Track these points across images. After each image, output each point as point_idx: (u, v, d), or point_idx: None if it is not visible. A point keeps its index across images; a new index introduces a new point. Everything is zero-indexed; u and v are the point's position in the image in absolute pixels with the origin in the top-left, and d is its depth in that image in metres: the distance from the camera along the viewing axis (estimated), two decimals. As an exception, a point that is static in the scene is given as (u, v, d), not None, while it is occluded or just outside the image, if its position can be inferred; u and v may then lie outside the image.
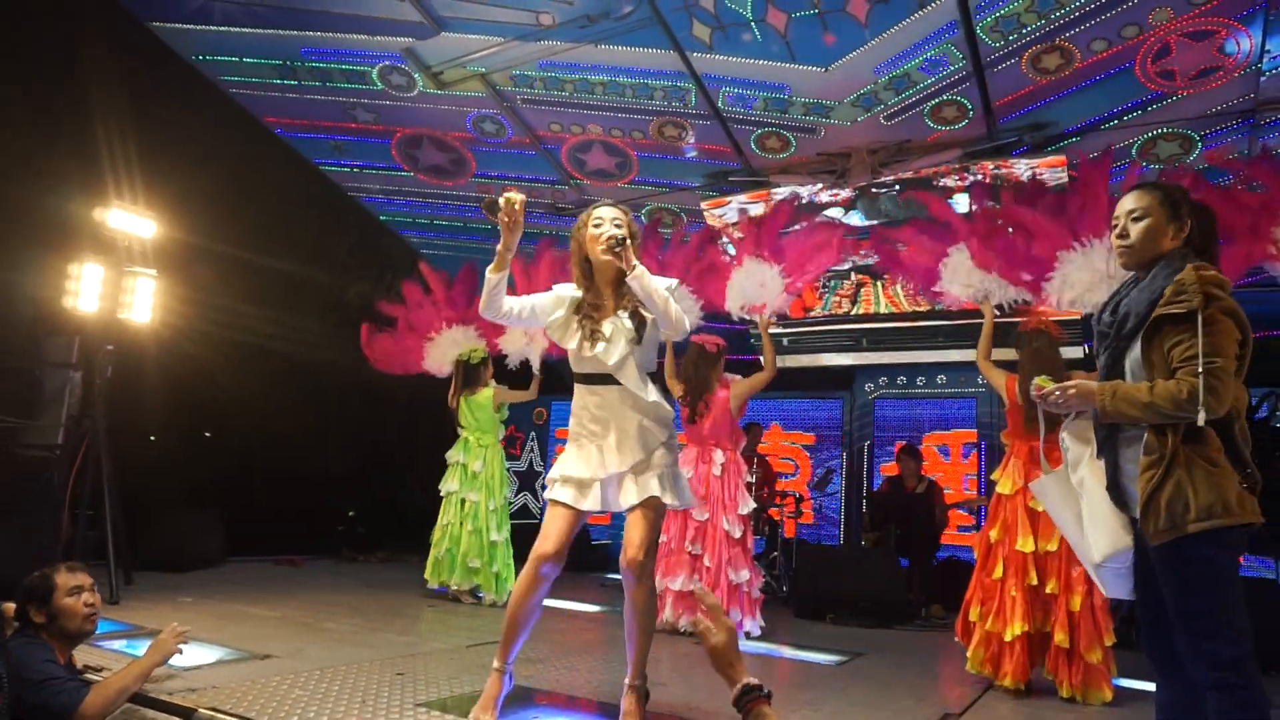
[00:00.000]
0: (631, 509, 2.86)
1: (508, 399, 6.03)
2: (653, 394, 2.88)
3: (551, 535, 2.82)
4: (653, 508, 2.84)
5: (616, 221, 2.87)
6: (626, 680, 2.87)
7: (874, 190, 6.62)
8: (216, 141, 7.34)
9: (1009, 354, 4.34)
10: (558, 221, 7.79)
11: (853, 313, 8.22)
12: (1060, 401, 2.24)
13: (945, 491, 7.46)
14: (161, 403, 7.27)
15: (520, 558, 5.77)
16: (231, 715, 2.73)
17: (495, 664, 2.84)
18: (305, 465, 8.67)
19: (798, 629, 5.62)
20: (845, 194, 6.76)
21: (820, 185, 6.70)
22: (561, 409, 10.20)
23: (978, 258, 4.49)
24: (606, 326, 2.86)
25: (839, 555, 7.36)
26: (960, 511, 7.80)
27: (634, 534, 2.82)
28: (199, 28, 5.80)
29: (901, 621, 6.02)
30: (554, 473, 2.93)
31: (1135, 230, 2.24)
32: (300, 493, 8.72)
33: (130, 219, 5.60)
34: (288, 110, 6.70)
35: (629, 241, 2.78)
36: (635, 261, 2.76)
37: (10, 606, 2.93)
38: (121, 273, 5.51)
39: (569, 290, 2.99)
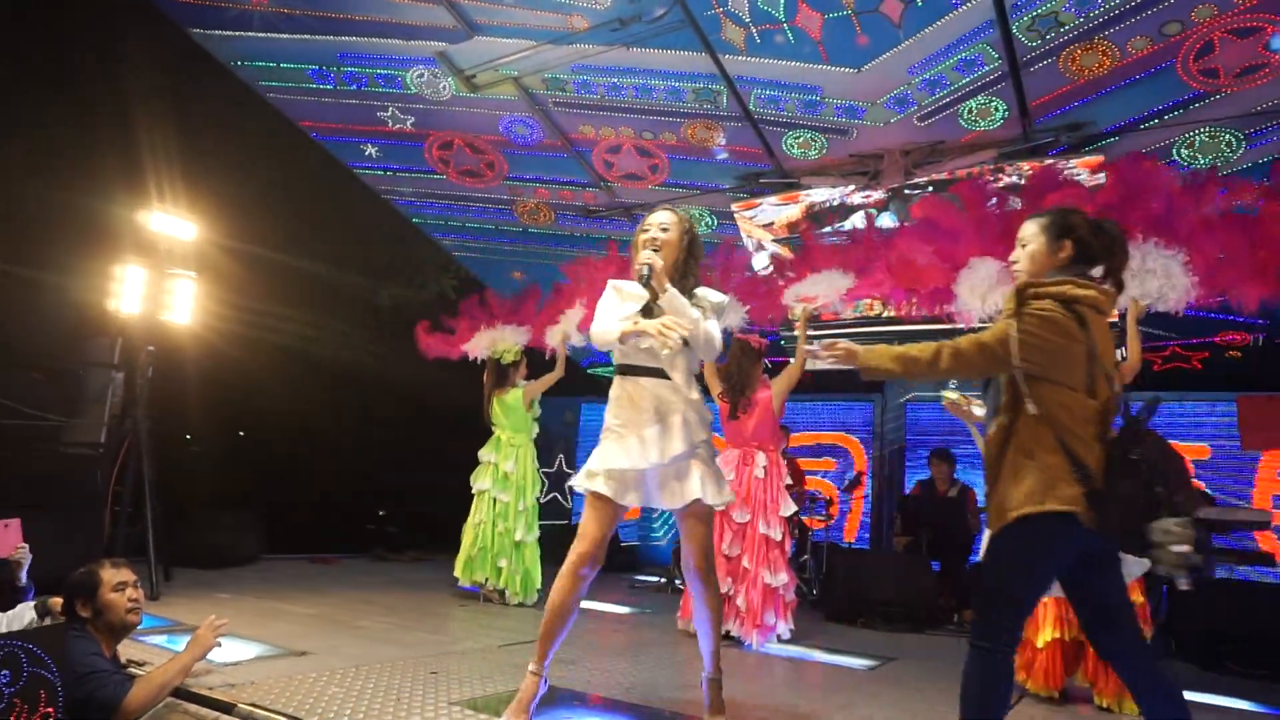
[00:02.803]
0: (680, 514, 2.90)
1: (535, 391, 6.05)
2: (695, 392, 2.93)
3: (589, 535, 2.84)
4: (702, 513, 2.89)
5: (663, 226, 2.94)
6: (705, 674, 2.95)
7: (907, 192, 6.56)
8: (254, 145, 7.47)
9: None
10: (589, 224, 7.81)
11: (884, 314, 8.15)
12: (831, 356, 2.57)
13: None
14: (200, 403, 7.41)
15: (548, 557, 5.86)
16: (270, 710, 2.77)
17: (531, 666, 2.83)
18: (338, 466, 8.79)
19: (829, 633, 5.59)
20: (877, 195, 6.71)
21: (852, 187, 6.66)
22: (590, 411, 10.23)
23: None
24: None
25: (870, 559, 7.30)
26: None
27: (691, 543, 2.91)
28: (238, 34, 5.90)
29: (933, 626, 5.96)
30: (592, 465, 2.90)
31: (1022, 256, 2.53)
32: (332, 491, 8.84)
33: (171, 222, 5.72)
34: (323, 114, 6.79)
35: (654, 269, 2.80)
36: (666, 286, 2.81)
37: (57, 601, 3.00)
38: (162, 275, 5.62)
39: (633, 286, 2.96)
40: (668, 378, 2.88)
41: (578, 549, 2.83)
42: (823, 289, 5.29)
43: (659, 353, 2.83)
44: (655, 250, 2.87)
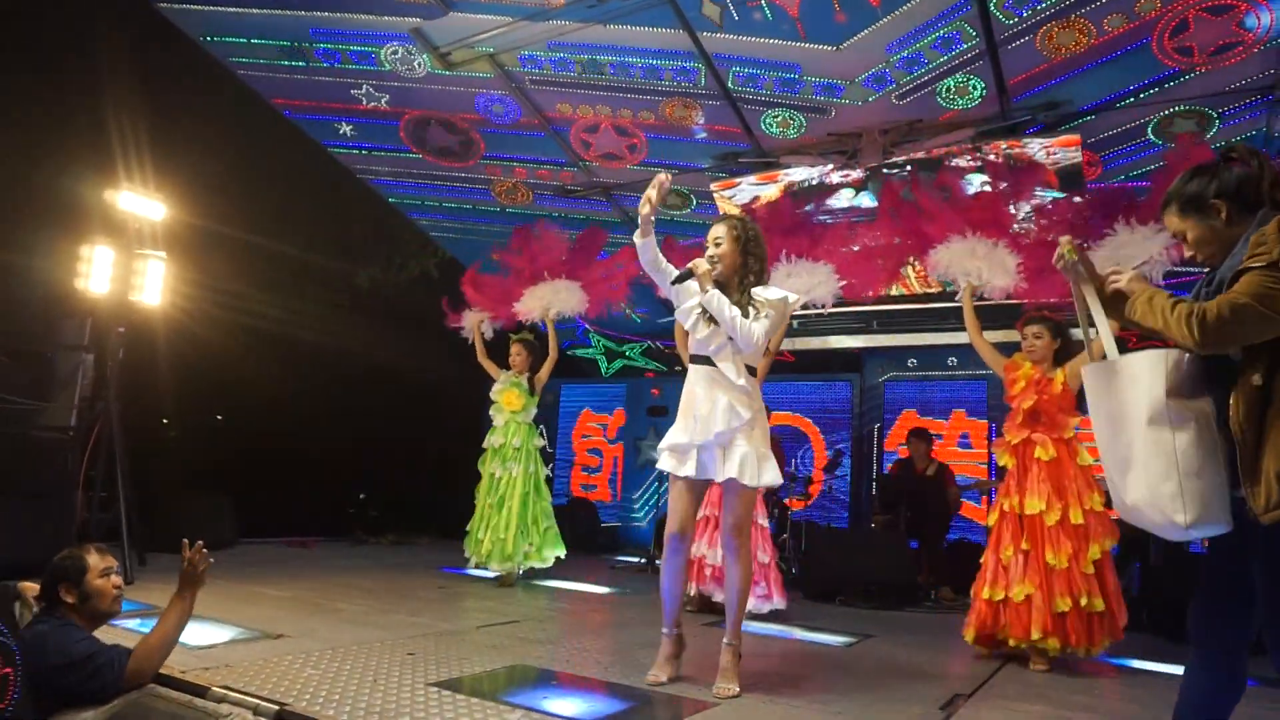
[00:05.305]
0: (725, 489, 3.31)
1: (544, 379, 6.22)
2: (742, 379, 3.28)
3: (674, 513, 3.33)
4: (737, 490, 3.24)
5: (716, 240, 3.34)
6: (725, 639, 3.25)
7: (885, 171, 6.56)
8: (225, 124, 7.33)
9: (1011, 335, 4.38)
10: (567, 204, 7.76)
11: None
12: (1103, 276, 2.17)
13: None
14: (172, 385, 7.32)
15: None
16: (244, 693, 2.75)
17: (663, 629, 3.34)
18: (316, 448, 8.72)
19: (807, 610, 5.63)
20: (856, 175, 6.70)
21: (831, 166, 6.64)
22: (571, 391, 10.20)
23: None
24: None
25: (849, 537, 7.36)
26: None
27: (728, 517, 3.31)
28: (207, 8, 5.76)
29: (911, 604, 6.03)
30: (662, 443, 3.38)
31: (1193, 248, 2.16)
32: (311, 475, 8.77)
33: (140, 201, 5.61)
34: (296, 92, 6.66)
35: (704, 271, 3.25)
36: (708, 287, 3.24)
37: (30, 586, 2.92)
38: (132, 255, 5.52)
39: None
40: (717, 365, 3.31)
41: (666, 529, 3.33)
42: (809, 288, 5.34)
43: (708, 347, 3.30)
44: (712, 261, 3.30)
